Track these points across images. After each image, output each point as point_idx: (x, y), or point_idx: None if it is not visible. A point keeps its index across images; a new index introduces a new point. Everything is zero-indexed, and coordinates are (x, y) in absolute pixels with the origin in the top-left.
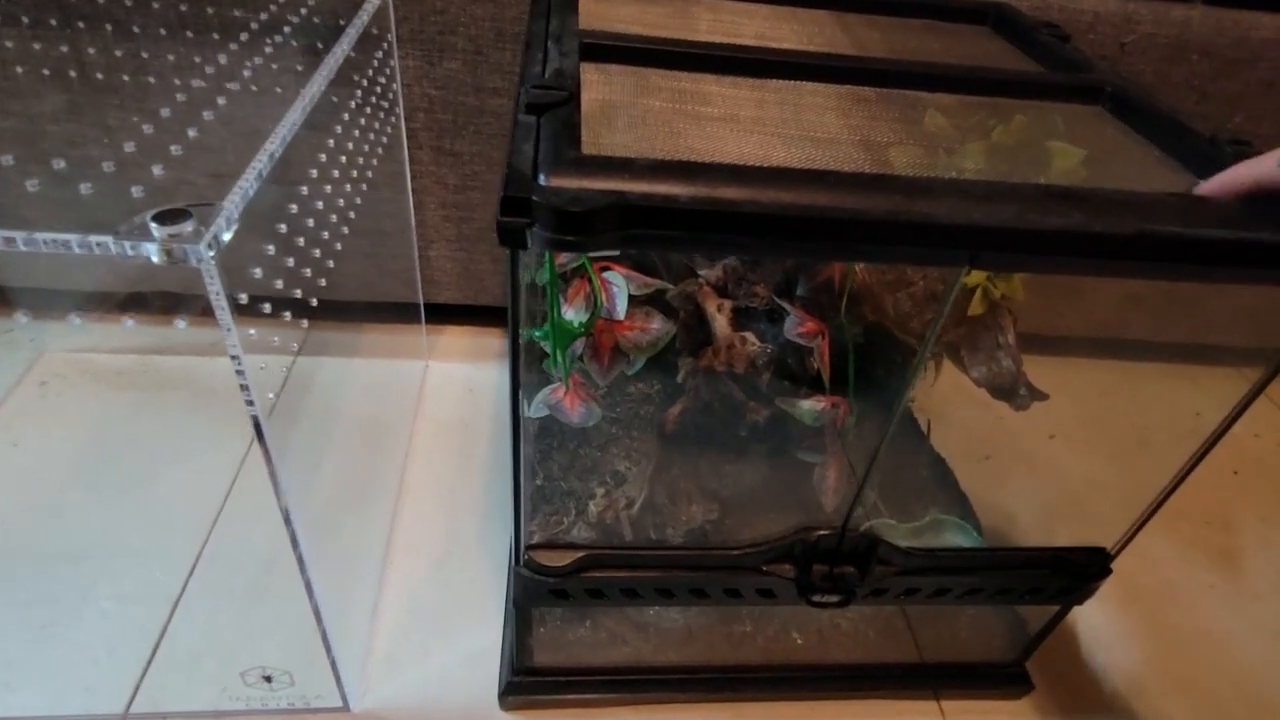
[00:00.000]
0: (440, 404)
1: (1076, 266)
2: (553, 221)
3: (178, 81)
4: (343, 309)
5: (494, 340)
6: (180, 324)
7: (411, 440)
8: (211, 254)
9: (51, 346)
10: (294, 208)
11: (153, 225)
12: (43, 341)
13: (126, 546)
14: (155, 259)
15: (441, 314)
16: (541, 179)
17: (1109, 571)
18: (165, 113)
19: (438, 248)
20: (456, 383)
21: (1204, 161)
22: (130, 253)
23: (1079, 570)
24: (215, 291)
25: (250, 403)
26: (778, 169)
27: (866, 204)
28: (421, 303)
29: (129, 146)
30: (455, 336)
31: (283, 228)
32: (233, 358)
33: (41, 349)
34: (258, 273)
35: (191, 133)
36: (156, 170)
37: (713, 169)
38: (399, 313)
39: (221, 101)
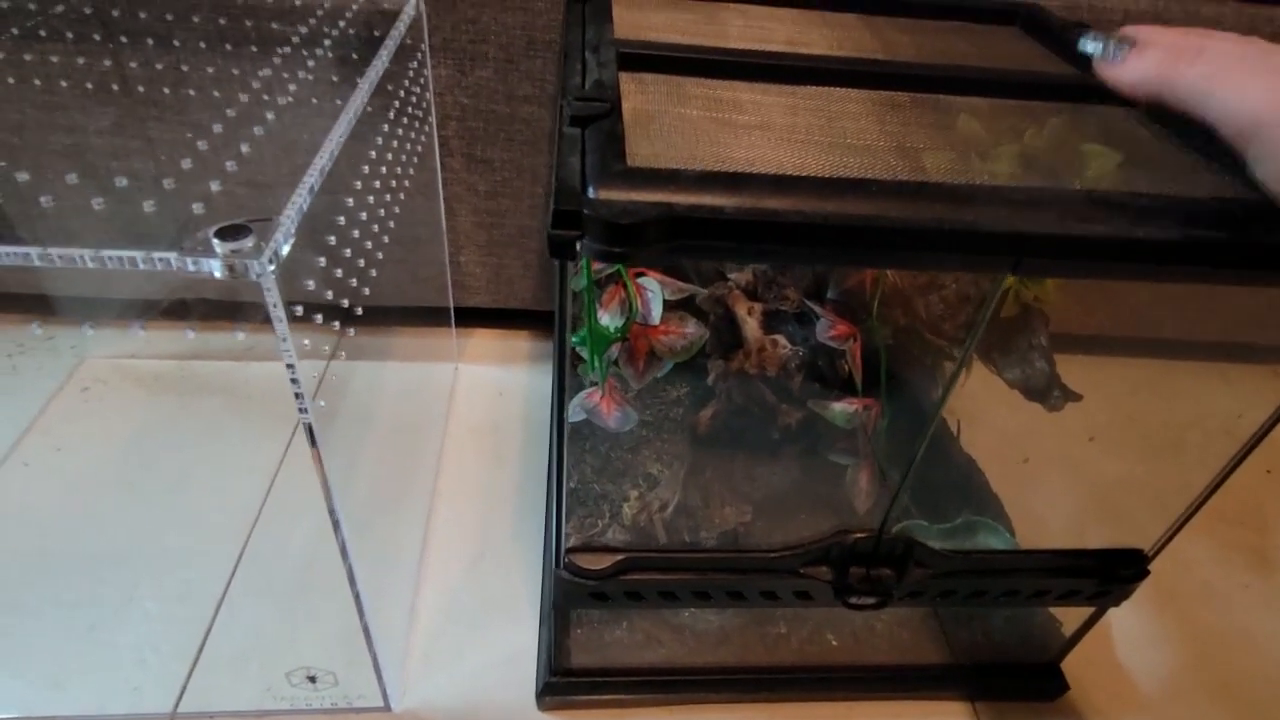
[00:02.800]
0: (471, 407)
1: (1121, 272)
2: (603, 234)
3: (217, 94)
4: (377, 313)
5: (523, 343)
6: (239, 335)
7: (444, 442)
8: (272, 268)
9: (93, 352)
10: (340, 219)
11: (215, 241)
12: (84, 348)
13: (169, 548)
14: (218, 274)
15: (471, 317)
16: (591, 192)
17: (1147, 573)
18: (216, 127)
19: (468, 253)
20: (487, 385)
21: (1237, 165)
22: (192, 269)
23: (1116, 572)
24: (273, 304)
25: (304, 410)
26: (821, 179)
27: (910, 213)
28: (452, 306)
29: (185, 163)
30: (485, 339)
31: (330, 239)
32: (288, 366)
33: (83, 355)
34: (310, 284)
35: (243, 148)
36: (213, 186)
37: (757, 180)
38: (430, 316)
39: (258, 112)
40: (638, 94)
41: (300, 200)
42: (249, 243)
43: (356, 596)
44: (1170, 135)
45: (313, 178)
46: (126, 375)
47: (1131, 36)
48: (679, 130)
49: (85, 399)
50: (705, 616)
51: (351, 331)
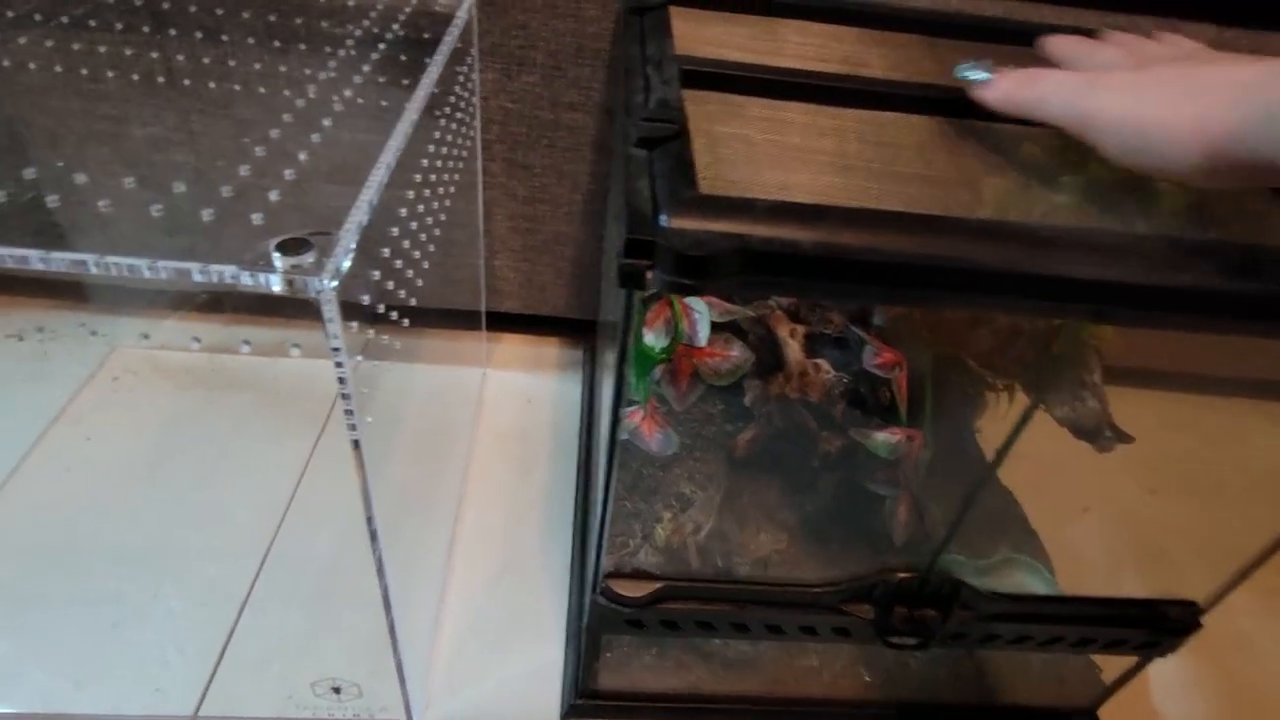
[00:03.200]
0: (499, 413)
1: (1209, 325)
2: (674, 265)
3: (263, 90)
4: (411, 315)
5: (553, 350)
6: (296, 351)
7: (472, 448)
8: (333, 285)
9: (124, 342)
10: (392, 230)
11: (275, 256)
12: (115, 337)
13: (194, 546)
14: (277, 289)
15: (501, 322)
16: (663, 220)
17: (1199, 625)
18: (273, 132)
19: (502, 257)
20: (516, 392)
21: None
22: (250, 283)
23: (1166, 623)
24: (330, 318)
25: (353, 426)
26: (901, 214)
27: (989, 255)
28: (484, 311)
29: (243, 170)
30: (514, 345)
31: (382, 250)
32: (340, 380)
33: (114, 345)
34: (365, 299)
35: (301, 156)
36: (267, 189)
37: (834, 212)
38: (461, 320)
39: (312, 116)
40: (697, 113)
41: (360, 215)
42: (309, 258)
43: (388, 606)
44: None
45: (371, 191)
46: (157, 366)
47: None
48: (740, 152)
49: (115, 389)
50: (737, 645)
51: (386, 336)
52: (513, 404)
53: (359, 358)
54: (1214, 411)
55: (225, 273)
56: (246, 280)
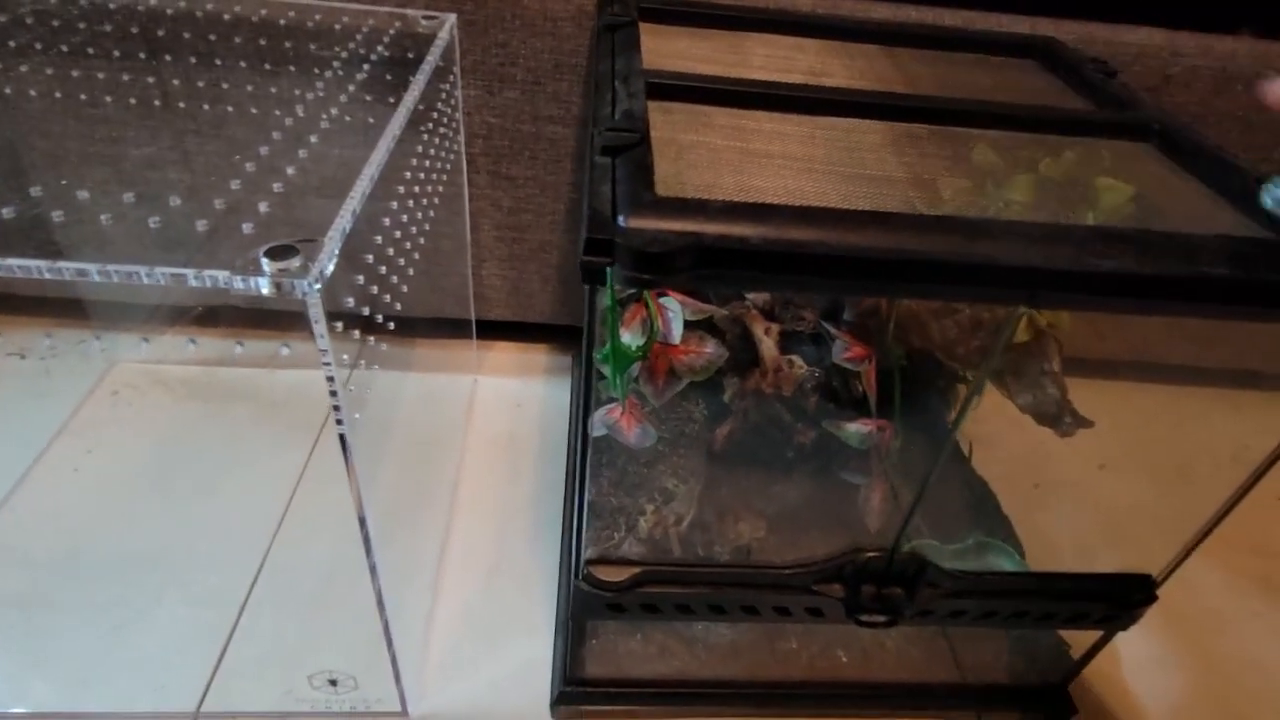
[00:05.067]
0: (489, 418)
1: (1131, 307)
2: (633, 261)
3: (254, 110)
4: (401, 324)
5: (541, 356)
6: (285, 350)
7: (463, 454)
8: (318, 287)
9: (123, 357)
10: (376, 237)
11: (264, 261)
12: (115, 352)
13: (194, 552)
14: (265, 292)
15: (491, 330)
16: (622, 221)
17: (1155, 598)
18: (262, 149)
19: (489, 266)
20: (505, 398)
21: (1251, 200)
22: (241, 286)
23: (1124, 597)
24: (316, 320)
25: (340, 422)
26: (843, 211)
27: (929, 246)
28: (474, 319)
29: (234, 184)
30: (503, 352)
31: (367, 256)
32: (329, 379)
33: (114, 360)
34: (350, 301)
35: (288, 170)
36: (258, 203)
37: (782, 211)
38: (451, 328)
39: (300, 132)
40: (664, 123)
41: (344, 222)
42: (296, 262)
43: (380, 601)
44: (1183, 171)
45: (355, 200)
46: (156, 380)
47: None
48: (706, 159)
49: (115, 403)
50: (718, 630)
51: (378, 343)
52: (503, 409)
53: (345, 357)
54: (1164, 398)
55: (218, 277)
56: (238, 284)
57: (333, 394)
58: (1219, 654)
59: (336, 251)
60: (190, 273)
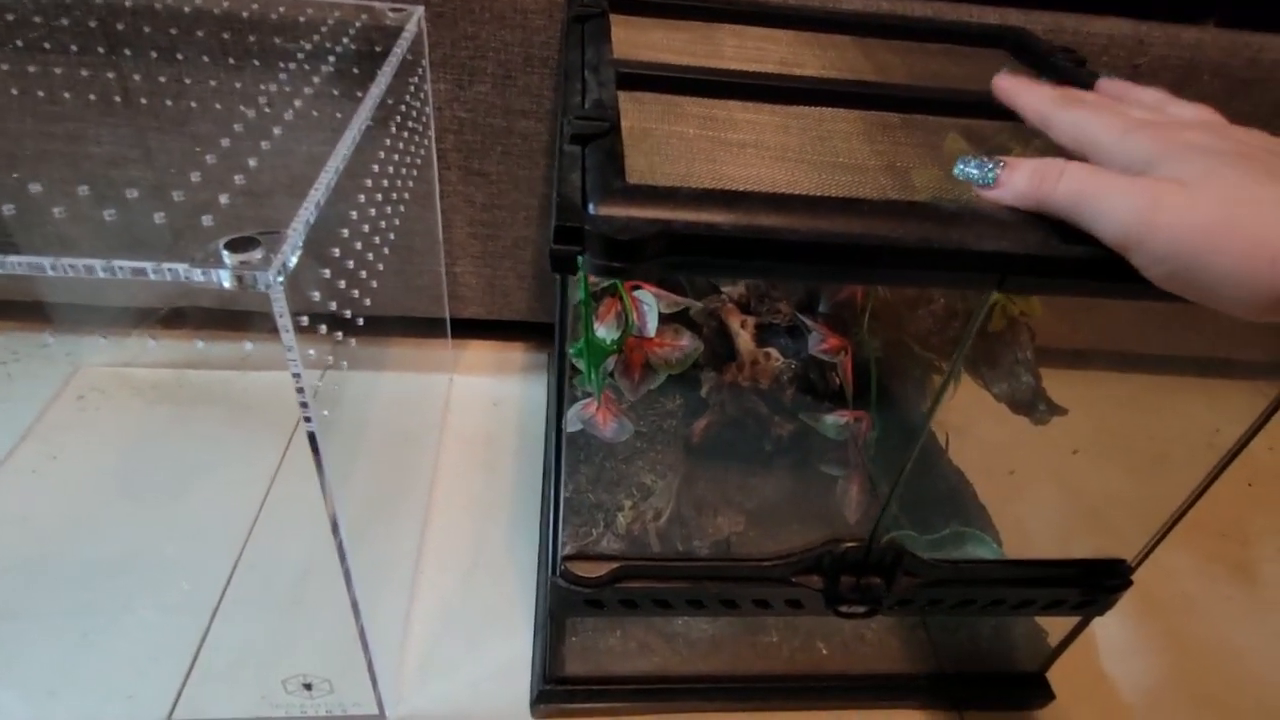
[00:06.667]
0: (466, 417)
1: (1101, 291)
2: (603, 249)
3: (219, 106)
4: (374, 323)
5: (517, 355)
6: (248, 346)
7: (439, 453)
8: (280, 280)
9: (88, 361)
10: (342, 230)
11: (224, 253)
12: (79, 356)
13: (165, 556)
14: (227, 285)
15: (466, 329)
16: (591, 209)
17: (1130, 583)
18: (224, 141)
19: (463, 264)
20: (481, 396)
21: None
22: (201, 280)
23: (1100, 582)
24: (280, 314)
25: (308, 419)
26: (813, 197)
27: (899, 231)
28: (448, 317)
29: (194, 175)
30: (479, 351)
31: (333, 250)
32: (294, 375)
33: (78, 363)
34: (315, 295)
35: (250, 162)
36: (224, 200)
37: (752, 198)
38: (426, 327)
39: (264, 126)
40: (636, 113)
41: (307, 214)
42: (258, 255)
43: (353, 602)
44: None
45: (319, 192)
46: (123, 384)
47: (999, 157)
48: (676, 148)
49: (81, 407)
50: (698, 625)
51: (350, 341)
52: (479, 407)
53: (312, 352)
54: (1137, 386)
55: (178, 270)
56: (198, 276)
57: (299, 390)
58: (1192, 637)
59: (300, 244)
60: (149, 265)
